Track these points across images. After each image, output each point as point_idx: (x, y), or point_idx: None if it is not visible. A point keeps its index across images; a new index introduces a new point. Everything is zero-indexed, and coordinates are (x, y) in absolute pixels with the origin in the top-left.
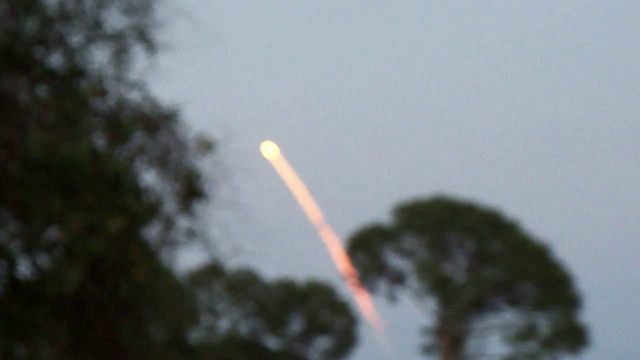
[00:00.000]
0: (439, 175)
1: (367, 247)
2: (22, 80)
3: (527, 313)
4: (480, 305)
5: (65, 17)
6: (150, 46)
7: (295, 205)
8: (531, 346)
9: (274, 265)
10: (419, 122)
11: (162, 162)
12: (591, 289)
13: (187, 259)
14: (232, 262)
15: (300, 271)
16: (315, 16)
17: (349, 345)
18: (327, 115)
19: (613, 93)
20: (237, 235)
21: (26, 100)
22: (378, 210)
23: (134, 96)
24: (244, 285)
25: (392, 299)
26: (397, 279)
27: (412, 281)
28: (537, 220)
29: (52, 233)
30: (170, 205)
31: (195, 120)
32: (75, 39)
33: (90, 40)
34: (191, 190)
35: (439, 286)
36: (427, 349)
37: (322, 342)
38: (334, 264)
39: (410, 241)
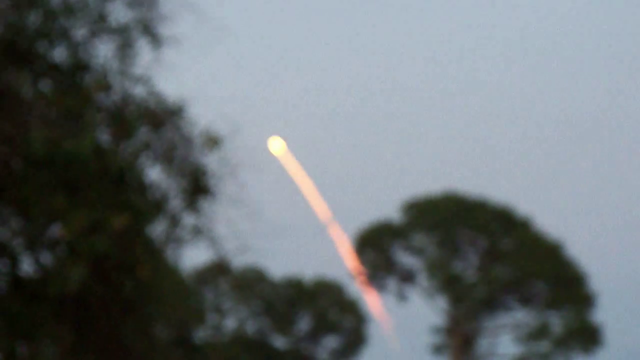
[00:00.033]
0: (449, 171)
1: (376, 245)
2: (25, 75)
3: (539, 312)
4: (491, 304)
5: (68, 10)
6: (156, 40)
7: (303, 202)
8: (543, 346)
9: (282, 263)
10: (429, 117)
11: (168, 158)
12: (604, 288)
13: (192, 257)
14: (239, 260)
15: (308, 269)
16: (325, 9)
17: (358, 345)
18: (336, 110)
19: (629, 88)
20: (243, 233)
21: (29, 95)
22: (387, 207)
23: (138, 91)
24: (250, 284)
25: (402, 297)
26: (407, 277)
27: (422, 279)
28: (550, 218)
29: (55, 230)
30: (175, 202)
31: (201, 115)
32: (79, 32)
33: (94, 34)
34: (197, 187)
35: (449, 284)
36: (437, 349)
37: (330, 342)
38: (342, 262)
39: (420, 239)
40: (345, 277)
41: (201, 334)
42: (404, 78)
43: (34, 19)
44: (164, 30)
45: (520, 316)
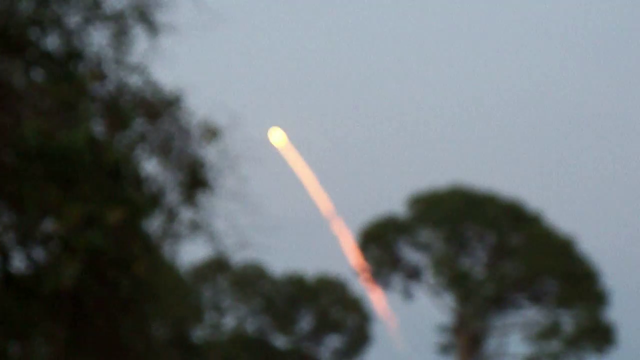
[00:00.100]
0: (456, 164)
1: (380, 241)
2: (17, 64)
3: (550, 310)
4: (500, 302)
5: None
6: (152, 27)
7: (304, 195)
8: (554, 345)
9: (283, 259)
10: (435, 108)
11: (164, 151)
12: (618, 285)
13: (190, 253)
14: (238, 256)
15: (310, 266)
16: None
17: (362, 344)
18: (339, 101)
19: None
20: (243, 228)
21: (21, 85)
22: (392, 202)
23: (134, 80)
24: (250, 281)
25: (407, 295)
26: (413, 274)
27: (428, 276)
28: (561, 212)
29: (48, 225)
30: (172, 195)
31: (199, 106)
32: (73, 19)
33: (88, 21)
34: (195, 180)
35: (456, 282)
36: (444, 348)
37: (333, 341)
38: (345, 259)
39: (426, 234)
40: (348, 274)
41: (199, 333)
42: (411, 68)
43: (25, 5)
44: (161, 17)
45: (530, 314)
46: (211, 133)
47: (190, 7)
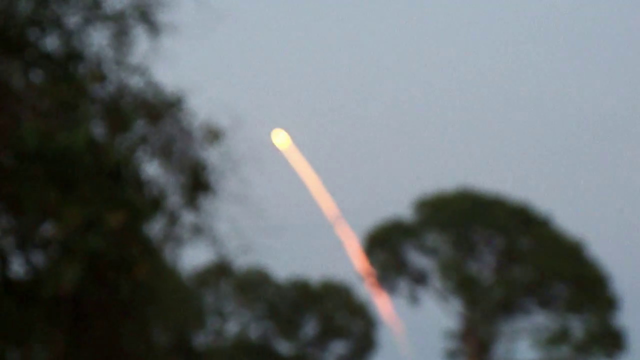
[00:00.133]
0: (464, 167)
1: (386, 245)
2: (16, 65)
3: (559, 315)
4: (508, 307)
5: None
6: (153, 27)
7: (308, 198)
8: (564, 351)
9: (286, 263)
10: (442, 110)
11: (166, 153)
12: (628, 290)
13: (192, 257)
14: (241, 260)
15: (314, 270)
16: None
17: (367, 350)
18: (343, 102)
19: None
20: (246, 231)
21: (20, 85)
22: (398, 205)
23: (135, 82)
24: (253, 286)
25: (414, 300)
26: (419, 278)
27: (435, 281)
28: (570, 216)
29: (48, 228)
30: (174, 198)
31: (201, 107)
32: (73, 19)
33: (88, 21)
34: (197, 183)
35: (464, 286)
36: (452, 354)
37: (338, 347)
38: (350, 263)
39: (433, 238)
40: (353, 278)
41: (201, 339)
42: (416, 69)
43: (24, 5)
44: (162, 17)
45: (539, 320)
46: (213, 135)
47: (192, 7)
